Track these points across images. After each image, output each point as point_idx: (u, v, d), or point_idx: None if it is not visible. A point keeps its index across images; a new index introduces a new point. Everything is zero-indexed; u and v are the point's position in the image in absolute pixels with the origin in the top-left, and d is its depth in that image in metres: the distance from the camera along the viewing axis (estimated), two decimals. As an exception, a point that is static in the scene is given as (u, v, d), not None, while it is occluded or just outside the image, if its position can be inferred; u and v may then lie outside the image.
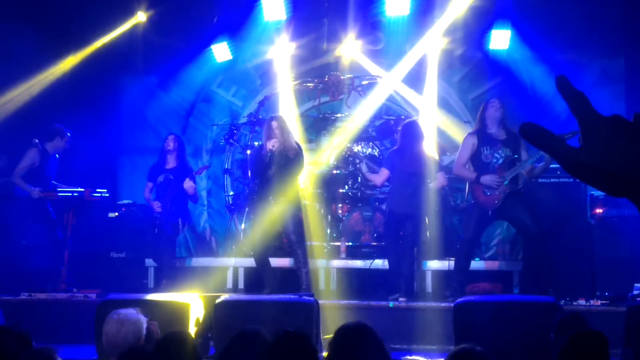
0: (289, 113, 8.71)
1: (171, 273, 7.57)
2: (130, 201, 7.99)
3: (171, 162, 7.75)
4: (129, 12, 9.24)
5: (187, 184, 7.50)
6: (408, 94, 9.19)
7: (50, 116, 8.42)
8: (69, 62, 9.05)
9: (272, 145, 6.84)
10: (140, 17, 9.26)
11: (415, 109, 9.07)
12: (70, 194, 7.76)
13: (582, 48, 9.01)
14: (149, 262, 7.85)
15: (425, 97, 8.93)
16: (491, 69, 9.17)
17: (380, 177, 7.34)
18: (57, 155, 7.83)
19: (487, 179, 6.51)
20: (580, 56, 9.09)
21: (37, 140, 7.61)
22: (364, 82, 9.23)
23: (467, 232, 6.81)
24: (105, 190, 8.14)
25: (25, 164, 7.53)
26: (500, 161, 6.57)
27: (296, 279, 6.87)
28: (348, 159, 8.46)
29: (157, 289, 7.32)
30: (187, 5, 9.29)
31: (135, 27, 9.33)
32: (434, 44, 9.01)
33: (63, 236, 7.70)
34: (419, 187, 6.96)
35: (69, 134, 7.76)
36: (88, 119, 9.18)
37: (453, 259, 7.26)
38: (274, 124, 6.96)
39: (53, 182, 7.84)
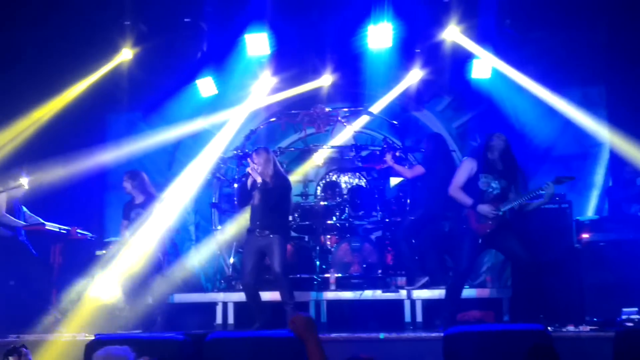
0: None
1: (165, 311, 7.52)
2: (118, 238, 7.95)
3: (138, 198, 7.72)
4: (114, 49, 9.27)
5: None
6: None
7: (37, 154, 8.40)
8: (54, 100, 9.05)
9: (253, 175, 6.90)
10: (126, 54, 9.28)
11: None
12: (57, 230, 7.74)
13: (563, 75, 9.09)
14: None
15: None
16: (474, 98, 9.26)
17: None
18: (23, 207, 7.81)
19: (484, 208, 6.51)
20: (562, 83, 9.17)
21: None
22: (347, 113, 9.27)
23: (461, 263, 6.70)
24: (90, 234, 8.13)
25: (2, 205, 7.54)
26: (496, 192, 6.58)
27: (284, 313, 6.84)
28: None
29: (151, 327, 7.25)
30: (172, 41, 9.33)
31: (120, 64, 9.36)
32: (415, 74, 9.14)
33: (51, 275, 7.64)
34: None
35: (26, 177, 7.76)
36: (74, 156, 9.17)
37: (443, 287, 7.25)
38: (260, 155, 6.98)
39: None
